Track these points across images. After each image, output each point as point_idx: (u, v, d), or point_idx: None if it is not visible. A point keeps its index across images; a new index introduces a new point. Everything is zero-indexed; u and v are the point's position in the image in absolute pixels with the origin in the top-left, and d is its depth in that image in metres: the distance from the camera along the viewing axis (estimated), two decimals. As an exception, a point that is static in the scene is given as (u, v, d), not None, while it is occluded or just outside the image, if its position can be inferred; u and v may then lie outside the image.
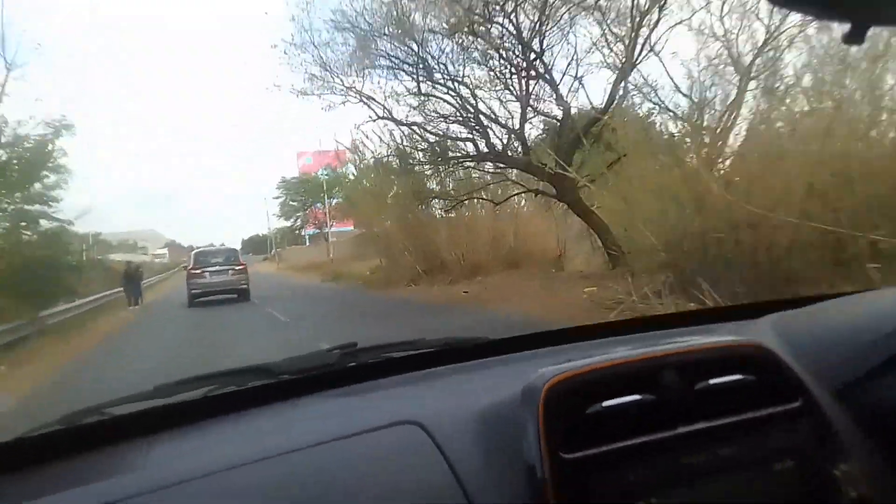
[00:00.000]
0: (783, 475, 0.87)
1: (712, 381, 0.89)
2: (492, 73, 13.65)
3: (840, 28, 0.62)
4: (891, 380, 0.98)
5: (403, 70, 14.00)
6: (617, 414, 0.85)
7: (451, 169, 15.71)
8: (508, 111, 13.92)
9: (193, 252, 19.42)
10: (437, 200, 17.22)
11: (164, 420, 1.06)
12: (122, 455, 1.00)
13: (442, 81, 13.91)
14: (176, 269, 46.87)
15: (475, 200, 16.74)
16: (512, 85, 13.55)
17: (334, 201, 42.15)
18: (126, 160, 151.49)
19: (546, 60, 12.89)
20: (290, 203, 50.78)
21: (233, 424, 1.07)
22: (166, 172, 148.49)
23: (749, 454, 0.88)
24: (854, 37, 0.62)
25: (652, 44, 11.60)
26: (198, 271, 17.09)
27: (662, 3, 11.22)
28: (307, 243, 60.34)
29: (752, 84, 9.88)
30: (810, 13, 0.64)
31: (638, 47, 11.68)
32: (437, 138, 14.97)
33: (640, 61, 11.84)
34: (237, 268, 17.44)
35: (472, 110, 13.92)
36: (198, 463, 0.91)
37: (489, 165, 15.61)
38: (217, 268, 17.16)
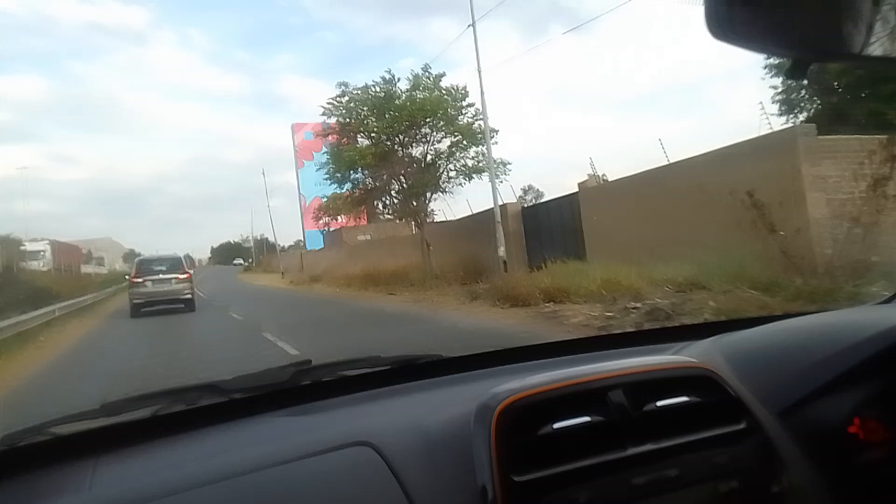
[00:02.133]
0: (728, 494, 0.90)
1: (660, 403, 0.92)
2: None
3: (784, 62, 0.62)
4: (830, 401, 1.03)
5: None
6: (568, 434, 0.86)
7: None
8: None
9: (136, 260, 18.99)
10: None
11: (110, 439, 1.03)
12: (66, 476, 0.96)
13: None
14: (114, 290, 27.88)
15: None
16: None
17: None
18: (83, 162, 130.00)
19: None
20: (382, 143, 19.14)
21: (182, 444, 1.05)
22: (127, 176, 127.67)
23: (695, 474, 0.90)
24: (796, 71, 0.66)
25: None
26: (139, 280, 16.71)
27: None
28: (322, 245, 41.71)
29: None
30: (753, 48, 0.66)
31: None
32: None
33: None
34: (181, 276, 16.86)
35: None
36: (145, 485, 0.88)
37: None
38: (160, 276, 16.69)
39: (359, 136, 19.89)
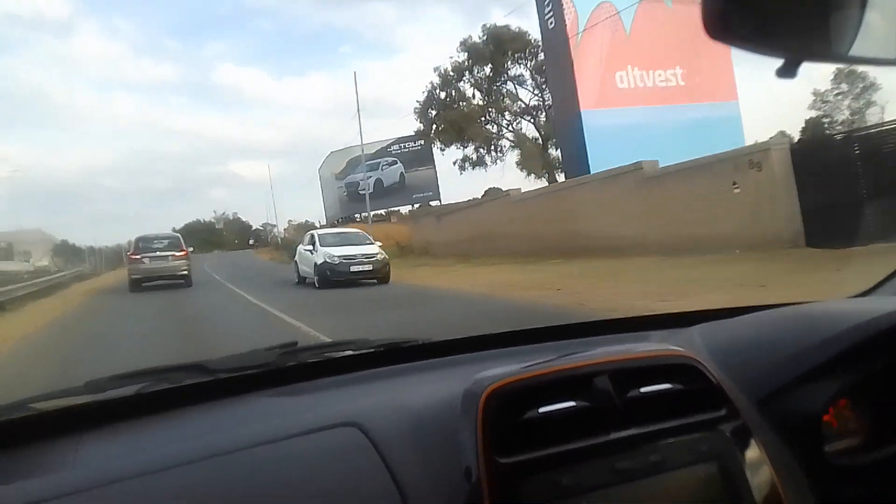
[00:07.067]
0: (707, 477, 0.92)
1: (643, 390, 0.94)
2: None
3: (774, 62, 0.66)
4: (807, 390, 1.06)
5: None
6: (553, 418, 0.88)
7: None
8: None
9: (135, 238, 19.60)
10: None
11: (94, 417, 1.03)
12: (50, 453, 0.96)
13: None
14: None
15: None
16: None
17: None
18: (8, 158, 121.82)
19: None
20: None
21: (167, 423, 1.05)
22: (58, 171, 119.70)
23: (676, 458, 0.91)
24: (787, 71, 0.66)
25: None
26: (137, 257, 17.37)
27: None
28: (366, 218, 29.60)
29: None
30: (746, 47, 0.66)
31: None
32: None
33: None
34: (178, 253, 17.65)
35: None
36: (130, 463, 0.88)
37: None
38: (158, 253, 17.38)
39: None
